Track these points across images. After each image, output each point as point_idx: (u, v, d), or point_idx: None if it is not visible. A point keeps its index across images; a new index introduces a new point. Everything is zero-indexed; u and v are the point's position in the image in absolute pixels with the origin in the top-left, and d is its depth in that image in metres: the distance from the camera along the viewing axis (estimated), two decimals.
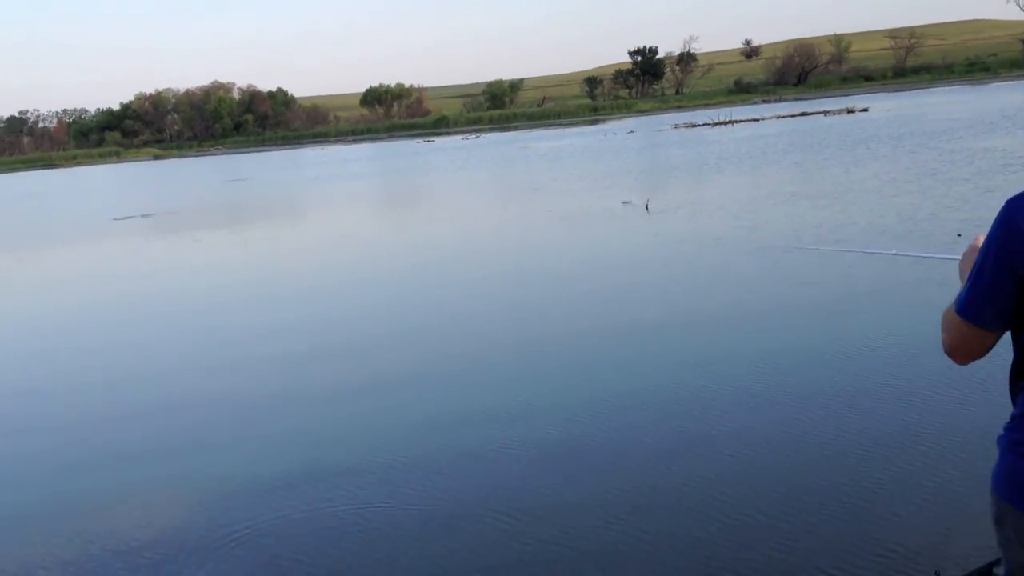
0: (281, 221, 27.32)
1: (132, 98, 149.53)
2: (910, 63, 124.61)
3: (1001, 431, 2.25)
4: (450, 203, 27.80)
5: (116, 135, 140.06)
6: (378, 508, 5.67)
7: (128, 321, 13.03)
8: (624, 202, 20.76)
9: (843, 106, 62.72)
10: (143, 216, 30.73)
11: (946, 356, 2.32)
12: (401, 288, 13.61)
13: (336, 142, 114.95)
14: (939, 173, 20.50)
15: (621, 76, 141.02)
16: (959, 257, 2.40)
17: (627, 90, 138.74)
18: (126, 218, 30.34)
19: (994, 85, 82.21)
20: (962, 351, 2.24)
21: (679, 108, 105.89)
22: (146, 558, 5.31)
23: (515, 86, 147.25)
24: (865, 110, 56.97)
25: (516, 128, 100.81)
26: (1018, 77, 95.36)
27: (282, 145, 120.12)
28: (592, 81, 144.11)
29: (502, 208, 24.22)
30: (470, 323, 10.86)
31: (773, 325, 9.27)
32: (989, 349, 2.22)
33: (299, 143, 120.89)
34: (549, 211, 21.01)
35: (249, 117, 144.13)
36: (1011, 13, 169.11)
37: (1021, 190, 2.15)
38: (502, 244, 17.49)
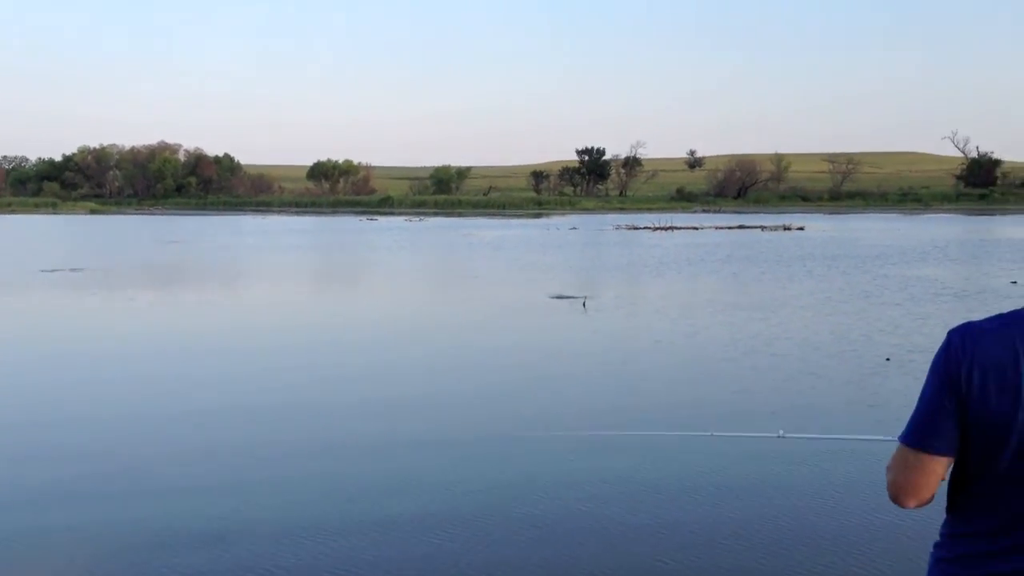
0: (204, 286, 26.77)
1: (75, 150, 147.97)
2: (846, 187, 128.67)
3: (932, 548, 2.34)
4: (379, 283, 27.58)
5: (55, 186, 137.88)
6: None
7: (32, 370, 12.49)
8: (555, 296, 20.78)
9: (780, 223, 64.23)
10: (71, 270, 29.95)
11: (894, 503, 2.31)
12: (296, 359, 13.32)
13: (279, 212, 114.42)
14: (872, 296, 20.87)
15: (567, 173, 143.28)
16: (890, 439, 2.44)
17: (572, 187, 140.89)
18: (54, 271, 29.54)
19: (926, 216, 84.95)
20: (908, 488, 2.25)
21: (622, 210, 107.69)
22: None
23: (462, 173, 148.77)
24: (801, 228, 58.37)
25: (460, 215, 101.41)
26: (948, 210, 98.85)
27: (224, 210, 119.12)
28: (538, 175, 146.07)
29: (431, 291, 24.05)
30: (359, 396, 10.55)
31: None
32: (935, 486, 2.24)
33: (241, 210, 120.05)
34: (479, 299, 20.90)
35: (193, 180, 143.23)
36: (946, 149, 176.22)
37: (961, 321, 2.27)
38: (424, 327, 17.19)
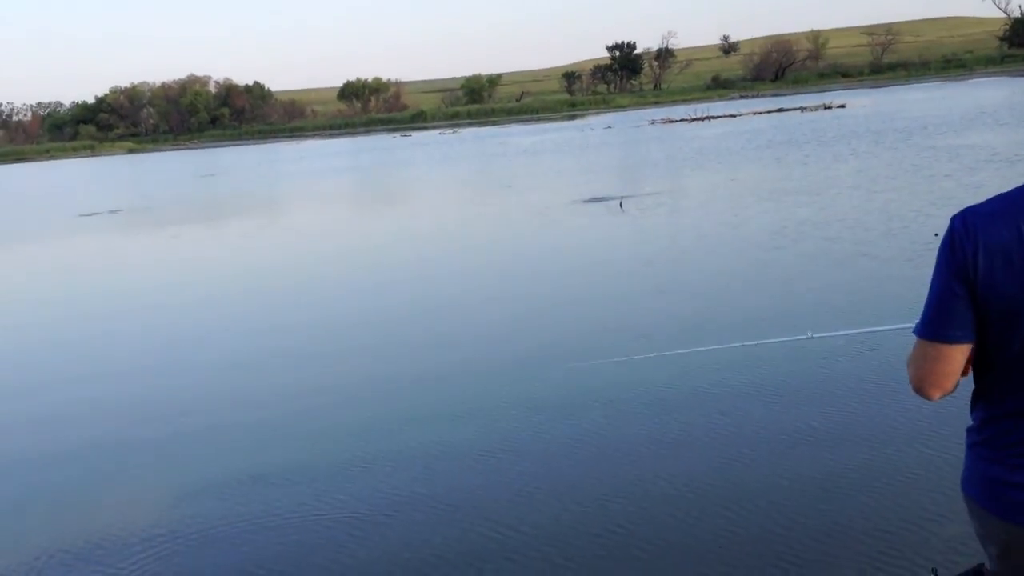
0: (244, 218, 26.74)
1: (107, 91, 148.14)
2: (887, 60, 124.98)
3: (965, 433, 2.36)
4: (419, 200, 27.36)
5: (91, 128, 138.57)
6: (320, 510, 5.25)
7: (63, 319, 12.54)
8: (590, 199, 20.40)
9: (820, 102, 62.60)
10: (110, 212, 30.08)
11: (917, 395, 2.30)
12: (358, 285, 13.22)
13: (313, 136, 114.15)
14: (922, 169, 20.23)
15: (599, 71, 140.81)
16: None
17: (605, 85, 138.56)
18: (93, 214, 29.70)
19: (971, 82, 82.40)
20: (931, 379, 2.23)
21: (657, 104, 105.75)
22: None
23: (493, 81, 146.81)
24: (842, 106, 56.83)
25: (494, 123, 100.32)
26: (994, 74, 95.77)
27: (258, 139, 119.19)
28: (570, 76, 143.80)
29: (470, 205, 23.78)
30: (418, 322, 10.42)
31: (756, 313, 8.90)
32: (957, 375, 2.22)
33: (276, 137, 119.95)
34: (516, 205, 20.62)
35: (225, 111, 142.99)
36: (987, 10, 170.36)
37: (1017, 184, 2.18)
38: (462, 242, 16.97)
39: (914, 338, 2.26)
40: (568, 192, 22.88)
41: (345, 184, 36.76)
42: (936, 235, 12.20)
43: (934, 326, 2.19)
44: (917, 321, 2.25)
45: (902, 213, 14.65)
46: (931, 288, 2.21)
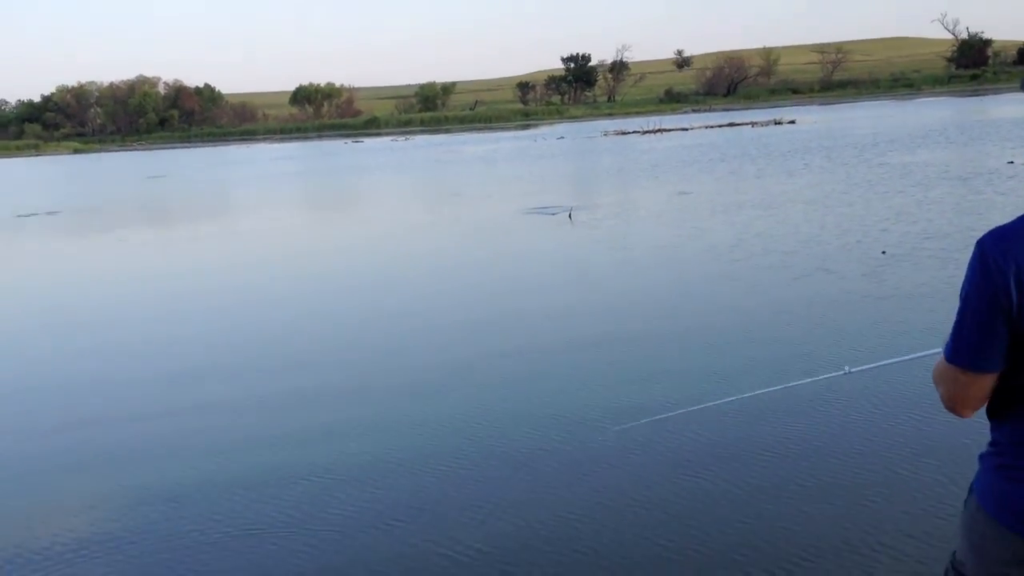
0: (186, 221, 26.18)
1: (54, 90, 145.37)
2: (837, 77, 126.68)
3: (985, 448, 2.29)
4: (360, 209, 27.03)
5: (36, 127, 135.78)
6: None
7: None
8: (537, 209, 20.19)
9: (771, 118, 63.14)
10: (48, 213, 29.31)
11: (949, 412, 2.27)
12: (277, 292, 12.87)
13: (264, 140, 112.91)
14: (875, 185, 20.31)
15: (554, 82, 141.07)
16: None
17: (559, 96, 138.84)
18: (30, 215, 28.92)
19: (918, 101, 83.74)
20: (963, 402, 2.20)
21: (610, 115, 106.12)
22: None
23: (448, 89, 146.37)
24: (792, 122, 57.36)
25: (447, 131, 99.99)
26: (940, 93, 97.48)
27: (208, 142, 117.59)
28: (525, 86, 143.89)
29: (414, 214, 23.48)
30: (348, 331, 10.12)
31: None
32: (988, 395, 2.18)
33: (226, 140, 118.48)
34: (457, 218, 20.35)
35: (175, 113, 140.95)
36: (936, 32, 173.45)
37: (993, 227, 2.12)
38: (398, 251, 16.63)
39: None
40: (517, 202, 22.64)
41: (291, 190, 36.15)
42: (884, 253, 12.18)
43: (967, 355, 2.13)
44: (947, 343, 2.19)
45: (857, 228, 14.66)
46: (962, 312, 2.14)
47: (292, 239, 19.99)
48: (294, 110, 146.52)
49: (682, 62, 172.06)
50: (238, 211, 28.46)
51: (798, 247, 13.40)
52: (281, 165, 53.62)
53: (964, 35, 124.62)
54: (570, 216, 18.79)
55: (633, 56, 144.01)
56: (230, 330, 10.94)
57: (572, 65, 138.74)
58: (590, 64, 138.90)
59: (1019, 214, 2.15)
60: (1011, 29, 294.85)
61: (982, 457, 2.30)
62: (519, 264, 14.35)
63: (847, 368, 3.35)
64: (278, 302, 12.51)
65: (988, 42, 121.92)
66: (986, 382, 2.14)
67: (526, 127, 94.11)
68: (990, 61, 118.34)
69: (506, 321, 10.35)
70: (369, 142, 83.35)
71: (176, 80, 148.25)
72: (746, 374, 7.40)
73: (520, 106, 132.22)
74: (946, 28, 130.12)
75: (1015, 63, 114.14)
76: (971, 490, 2.33)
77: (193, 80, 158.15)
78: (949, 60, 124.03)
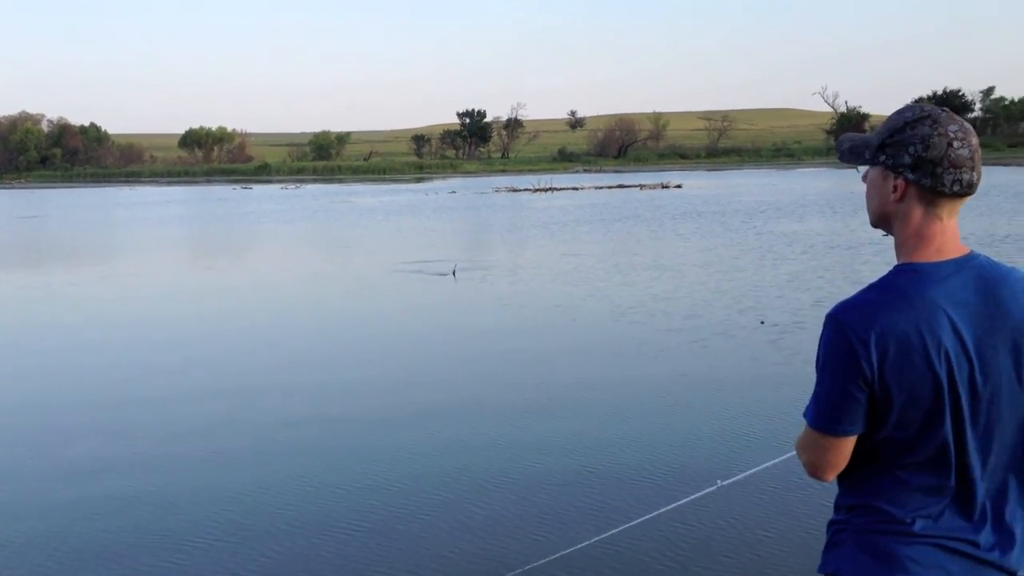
0: (55, 264, 25.14)
1: None
2: (722, 144, 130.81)
3: (842, 518, 2.31)
4: (233, 258, 26.45)
5: None
6: None
7: None
8: (420, 263, 20.01)
9: (659, 181, 64.54)
10: None
11: (812, 479, 2.34)
12: (145, 338, 12.32)
13: (149, 183, 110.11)
14: (763, 251, 20.75)
15: (449, 136, 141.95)
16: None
17: (454, 151, 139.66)
18: None
19: (799, 171, 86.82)
20: (825, 466, 2.27)
21: (504, 171, 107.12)
22: None
23: (342, 139, 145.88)
24: (679, 186, 58.70)
25: (340, 181, 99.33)
26: (820, 164, 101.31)
27: (91, 182, 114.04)
28: (420, 139, 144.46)
29: (286, 267, 22.98)
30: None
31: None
32: (848, 458, 2.25)
33: (110, 181, 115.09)
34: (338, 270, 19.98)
35: (57, 151, 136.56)
36: (816, 104, 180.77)
37: (840, 300, 2.22)
38: (270, 303, 16.24)
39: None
40: (401, 256, 22.42)
41: (158, 236, 35.13)
42: (762, 323, 12.32)
43: (827, 420, 2.21)
44: (808, 410, 2.26)
45: (751, 293, 15.00)
46: (821, 380, 2.22)
47: (148, 289, 19.25)
48: (183, 153, 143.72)
49: (575, 122, 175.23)
50: (99, 256, 27.44)
51: (696, 309, 13.52)
52: (162, 209, 52.18)
53: (843, 108, 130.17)
54: (454, 273, 18.63)
55: (528, 114, 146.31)
56: (48, 390, 10.38)
57: (467, 120, 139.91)
58: (485, 120, 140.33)
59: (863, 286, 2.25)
60: (887, 105, 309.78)
61: (839, 531, 2.31)
62: (384, 324, 14.01)
63: (719, 482, 3.23)
64: (108, 351, 11.95)
65: (865, 116, 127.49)
66: (846, 445, 2.23)
67: (420, 180, 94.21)
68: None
69: (325, 389, 9.88)
70: (259, 188, 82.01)
71: (61, 118, 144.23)
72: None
73: (415, 159, 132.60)
74: (826, 101, 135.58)
75: (836, 146, 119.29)
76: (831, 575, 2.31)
77: (79, 118, 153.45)
78: (828, 132, 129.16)
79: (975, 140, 2.21)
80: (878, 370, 2.13)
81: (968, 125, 2.23)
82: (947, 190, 2.18)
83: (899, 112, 2.29)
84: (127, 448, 7.89)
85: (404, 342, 12.29)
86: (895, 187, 2.24)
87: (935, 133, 2.18)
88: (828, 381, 2.20)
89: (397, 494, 6.56)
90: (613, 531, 5.01)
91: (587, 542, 5.01)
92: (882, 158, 2.26)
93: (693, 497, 3.75)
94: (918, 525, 2.21)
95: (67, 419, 8.90)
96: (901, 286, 2.18)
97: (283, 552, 5.69)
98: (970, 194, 2.22)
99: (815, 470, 2.30)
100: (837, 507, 2.35)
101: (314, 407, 9.07)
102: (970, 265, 2.20)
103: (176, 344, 12.66)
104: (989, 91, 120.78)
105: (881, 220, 2.32)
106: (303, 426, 8.39)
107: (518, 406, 8.83)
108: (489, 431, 8.03)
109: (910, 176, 2.20)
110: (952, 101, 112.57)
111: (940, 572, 2.19)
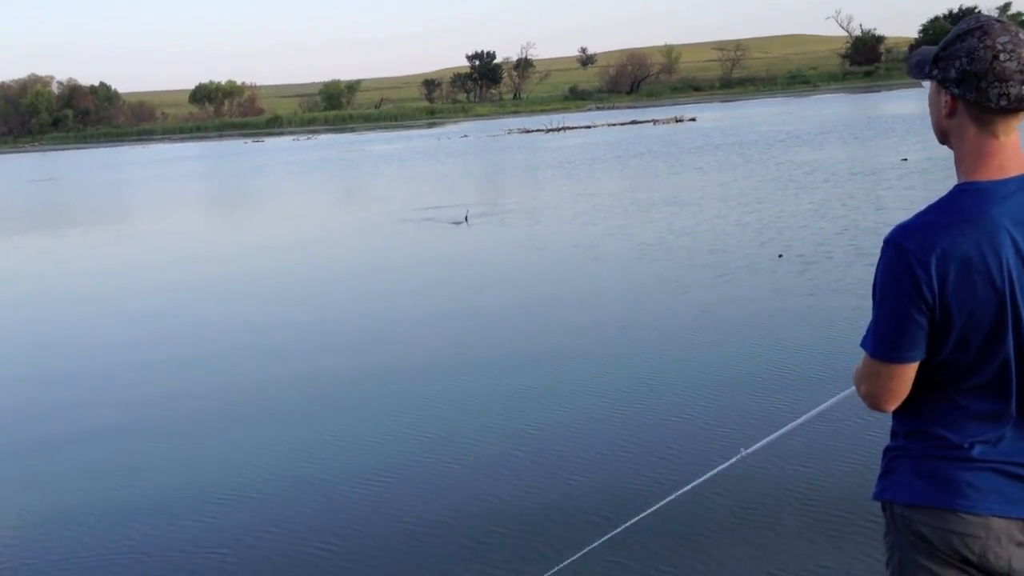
0: (71, 227, 25.05)
1: None
2: (736, 74, 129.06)
3: (898, 445, 2.29)
4: (249, 214, 26.26)
5: None
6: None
7: None
8: (432, 209, 19.76)
9: (672, 115, 63.73)
10: None
11: (872, 410, 2.32)
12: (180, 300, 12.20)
13: (162, 140, 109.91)
14: (784, 181, 20.39)
15: (459, 80, 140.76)
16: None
17: (465, 94, 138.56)
18: None
19: (815, 98, 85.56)
20: (887, 395, 2.23)
21: (516, 113, 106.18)
22: None
23: (352, 87, 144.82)
24: (693, 119, 57.92)
25: (352, 130, 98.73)
26: (836, 90, 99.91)
27: (104, 142, 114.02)
28: (430, 84, 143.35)
29: (298, 219, 22.78)
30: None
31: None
32: (910, 387, 2.21)
33: (122, 141, 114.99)
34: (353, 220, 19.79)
35: (69, 113, 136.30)
36: (830, 29, 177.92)
37: (898, 223, 2.17)
38: (280, 259, 16.05)
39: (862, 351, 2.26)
40: (413, 203, 22.18)
41: (181, 194, 34.95)
42: (781, 256, 12.03)
43: (888, 348, 2.18)
44: (866, 339, 2.24)
45: (774, 224, 14.70)
46: (880, 307, 2.19)
47: (170, 248, 19.14)
48: (194, 109, 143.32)
49: (586, 59, 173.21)
50: (116, 218, 27.34)
51: (726, 243, 13.25)
52: (176, 167, 51.99)
53: (857, 32, 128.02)
54: (466, 219, 18.35)
55: (538, 54, 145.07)
56: (91, 337, 10.27)
57: (477, 63, 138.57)
58: (495, 62, 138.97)
59: (917, 209, 2.19)
60: (902, 26, 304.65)
61: (895, 457, 2.30)
62: (393, 274, 13.76)
63: (742, 450, 3.06)
64: (137, 314, 11.83)
65: (881, 39, 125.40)
66: (909, 373, 2.19)
67: (432, 125, 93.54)
68: (883, 58, 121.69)
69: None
70: (270, 142, 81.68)
71: (70, 79, 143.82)
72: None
73: (426, 104, 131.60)
74: (840, 25, 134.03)
75: (906, 60, 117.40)
76: (887, 502, 2.29)
77: (88, 79, 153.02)
78: (843, 57, 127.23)
79: None
80: (939, 294, 2.10)
81: None
82: (993, 104, 2.08)
83: (961, 23, 2.17)
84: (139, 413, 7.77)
85: (416, 294, 12.09)
86: (946, 102, 2.18)
87: (982, 45, 2.07)
88: (888, 307, 2.17)
89: (414, 448, 6.40)
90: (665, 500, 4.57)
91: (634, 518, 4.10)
92: (935, 72, 2.19)
93: (719, 469, 3.45)
94: (976, 450, 2.18)
95: (81, 389, 8.80)
96: (961, 206, 2.12)
97: (308, 512, 5.55)
98: (1022, 109, 2.10)
99: (876, 400, 2.27)
100: (894, 433, 2.32)
101: (309, 365, 8.90)
102: None
103: (178, 308, 12.54)
104: (1006, 7, 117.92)
105: (941, 136, 2.26)
106: (308, 381, 8.24)
107: (530, 358, 8.61)
108: (504, 384, 7.83)
109: (955, 91, 2.13)
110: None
111: (998, 496, 2.17)
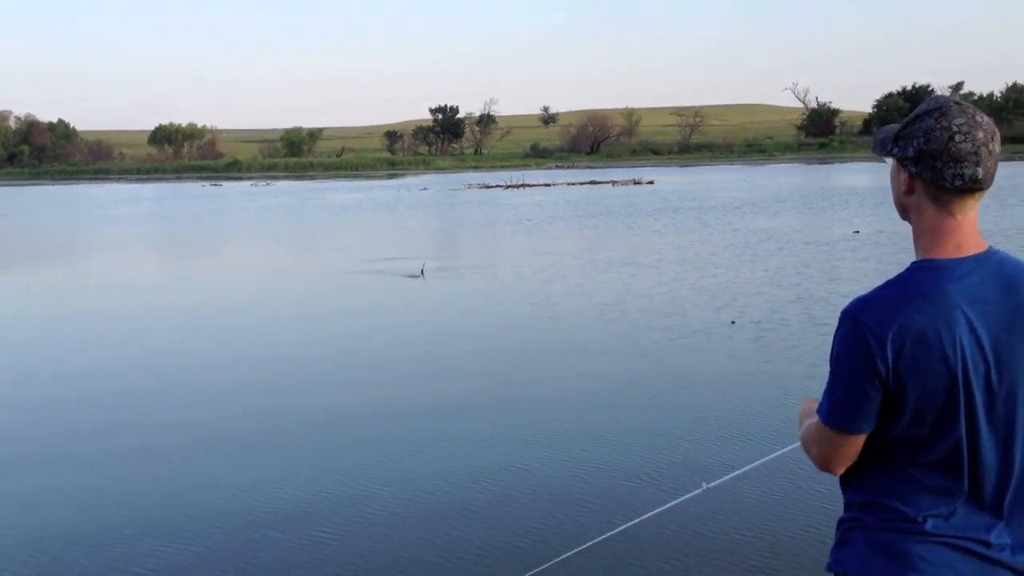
0: (16, 265, 24.64)
1: None
2: (694, 140, 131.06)
3: (852, 516, 2.29)
4: (203, 255, 26.02)
5: None
6: None
7: None
8: (387, 260, 19.70)
9: (631, 177, 64.44)
10: None
11: (822, 472, 2.35)
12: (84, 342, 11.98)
13: (118, 180, 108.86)
14: (737, 247, 20.60)
15: (421, 132, 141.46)
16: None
17: (427, 147, 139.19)
18: None
19: (770, 166, 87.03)
20: (837, 460, 2.27)
21: (477, 168, 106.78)
22: None
23: (314, 135, 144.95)
24: (651, 182, 58.61)
25: (312, 177, 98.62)
26: (791, 160, 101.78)
27: (59, 179, 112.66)
28: (392, 135, 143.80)
29: (253, 267, 22.64)
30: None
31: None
32: (860, 450, 2.24)
33: (78, 179, 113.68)
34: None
35: (25, 148, 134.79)
36: (787, 100, 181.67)
37: (856, 296, 2.19)
38: (231, 303, 15.91)
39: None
40: (366, 253, 22.10)
41: (120, 235, 34.58)
42: (733, 323, 12.10)
43: (841, 418, 2.20)
44: (820, 406, 2.26)
45: (729, 290, 14.85)
46: (835, 377, 2.21)
47: (105, 291, 18.85)
48: (152, 150, 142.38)
49: (548, 118, 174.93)
50: (58, 256, 26.95)
51: (681, 307, 13.30)
52: (129, 208, 51.44)
53: (813, 104, 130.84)
54: (422, 272, 18.30)
55: (500, 110, 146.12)
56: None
57: (440, 116, 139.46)
58: (458, 116, 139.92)
59: (878, 283, 2.22)
60: (857, 101, 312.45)
61: (849, 529, 2.29)
62: (342, 321, 13.75)
63: (704, 484, 3.06)
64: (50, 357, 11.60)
65: (836, 112, 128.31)
66: (858, 442, 2.22)
67: (392, 176, 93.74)
68: (837, 130, 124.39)
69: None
70: (229, 185, 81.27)
71: (28, 114, 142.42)
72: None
73: (387, 155, 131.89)
74: (797, 97, 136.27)
75: (860, 133, 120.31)
76: (840, 574, 2.29)
77: (47, 115, 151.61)
78: (799, 128, 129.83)
79: (983, 134, 2.12)
80: (893, 368, 2.12)
81: (982, 118, 2.14)
82: (948, 184, 2.12)
83: (922, 104, 2.23)
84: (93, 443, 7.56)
85: (371, 343, 12.01)
86: (904, 180, 2.22)
87: (938, 126, 2.12)
88: (842, 379, 2.19)
89: (351, 496, 6.28)
90: (594, 541, 4.69)
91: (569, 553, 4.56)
92: (895, 150, 2.24)
93: (679, 500, 3.53)
94: (929, 524, 2.19)
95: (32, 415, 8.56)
96: (919, 283, 2.15)
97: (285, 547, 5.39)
98: (977, 190, 2.14)
99: (826, 463, 2.30)
100: (848, 505, 2.33)
101: (263, 404, 8.77)
102: (990, 262, 2.17)
103: (119, 343, 12.32)
104: (958, 86, 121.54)
105: (902, 212, 2.29)
106: (275, 420, 8.10)
107: (487, 406, 8.58)
108: (460, 430, 7.77)
109: (913, 169, 2.18)
110: (921, 96, 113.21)
111: (951, 571, 2.17)
